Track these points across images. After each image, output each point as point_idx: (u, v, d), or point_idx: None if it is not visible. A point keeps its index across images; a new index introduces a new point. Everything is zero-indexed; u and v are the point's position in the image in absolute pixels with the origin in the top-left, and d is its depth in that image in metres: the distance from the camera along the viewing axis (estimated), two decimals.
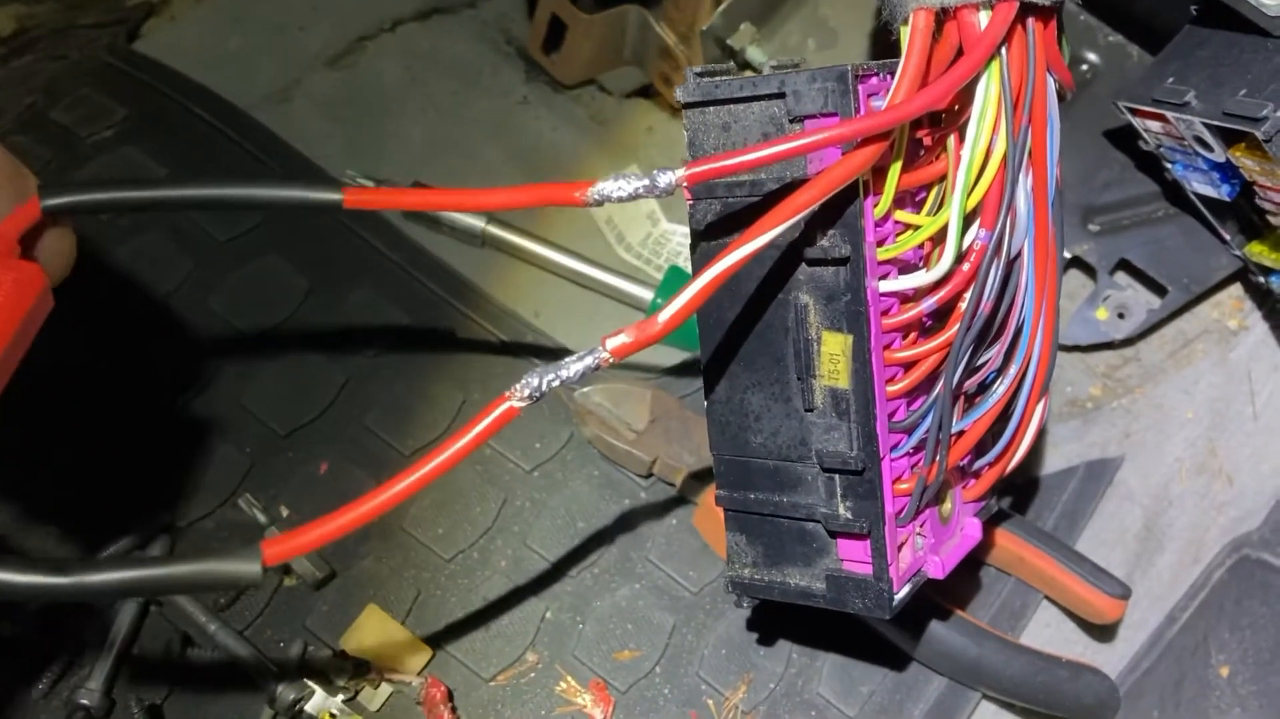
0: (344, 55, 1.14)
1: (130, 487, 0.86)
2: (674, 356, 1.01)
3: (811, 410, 0.66)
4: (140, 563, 0.52)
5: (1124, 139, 0.99)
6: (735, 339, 0.69)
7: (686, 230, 1.09)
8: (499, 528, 0.91)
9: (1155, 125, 0.86)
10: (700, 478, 0.91)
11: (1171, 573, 0.92)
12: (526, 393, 0.55)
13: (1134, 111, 0.87)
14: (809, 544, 0.69)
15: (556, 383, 0.55)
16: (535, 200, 0.55)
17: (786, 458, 0.68)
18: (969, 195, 0.63)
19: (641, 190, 0.56)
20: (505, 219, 1.05)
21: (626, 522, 0.92)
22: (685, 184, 0.56)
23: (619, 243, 1.09)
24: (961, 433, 0.70)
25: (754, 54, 1.04)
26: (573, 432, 0.93)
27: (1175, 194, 0.96)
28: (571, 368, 0.56)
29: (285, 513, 0.89)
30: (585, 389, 0.93)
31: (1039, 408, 0.73)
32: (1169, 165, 0.89)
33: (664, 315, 0.57)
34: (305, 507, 0.89)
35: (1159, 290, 1.00)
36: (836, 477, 0.67)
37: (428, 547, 0.89)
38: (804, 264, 0.65)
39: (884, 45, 1.11)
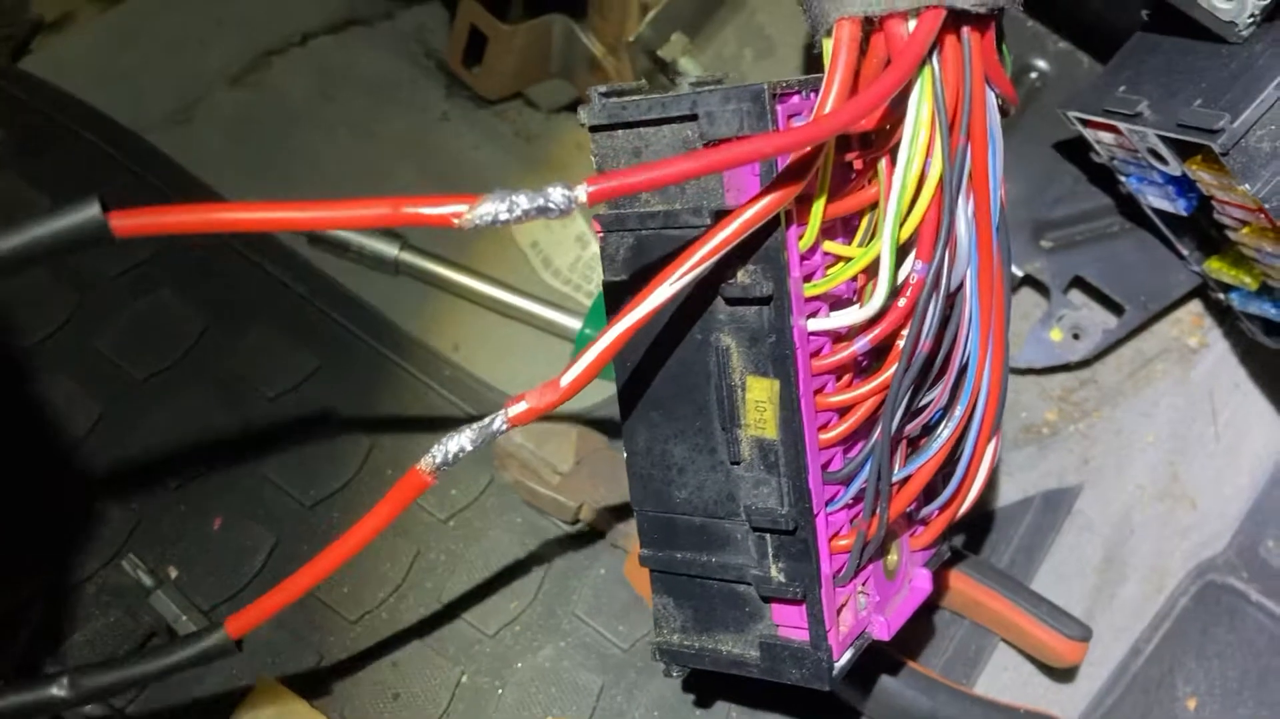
0: (249, 72, 1.07)
1: (1, 547, 0.79)
2: (603, 388, 0.94)
3: (738, 463, 0.60)
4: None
5: (1075, 151, 0.94)
6: (653, 384, 0.63)
7: None
8: (410, 584, 0.84)
9: (1108, 137, 0.82)
10: (631, 523, 0.84)
11: (1134, 604, 0.89)
12: (437, 461, 0.54)
13: (1085, 123, 0.83)
14: (741, 608, 0.63)
15: (464, 453, 0.54)
16: (390, 219, 0.47)
17: (713, 514, 0.62)
18: (902, 224, 0.57)
19: (534, 210, 0.49)
20: (421, 244, 0.99)
21: (551, 573, 0.86)
22: (584, 203, 0.50)
23: (545, 268, 1.03)
24: (905, 480, 0.65)
25: (686, 65, 0.99)
26: (492, 476, 0.88)
27: (1130, 208, 0.92)
28: (469, 437, 0.54)
29: (174, 574, 0.82)
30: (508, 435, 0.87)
31: (990, 447, 0.68)
32: (1123, 178, 0.86)
33: (567, 378, 0.52)
34: (197, 567, 0.83)
35: (1115, 309, 0.96)
36: (767, 535, 0.61)
37: (331, 608, 0.82)
38: (723, 302, 0.58)
39: (819, 56, 1.06)
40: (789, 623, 0.63)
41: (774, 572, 0.62)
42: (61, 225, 0.44)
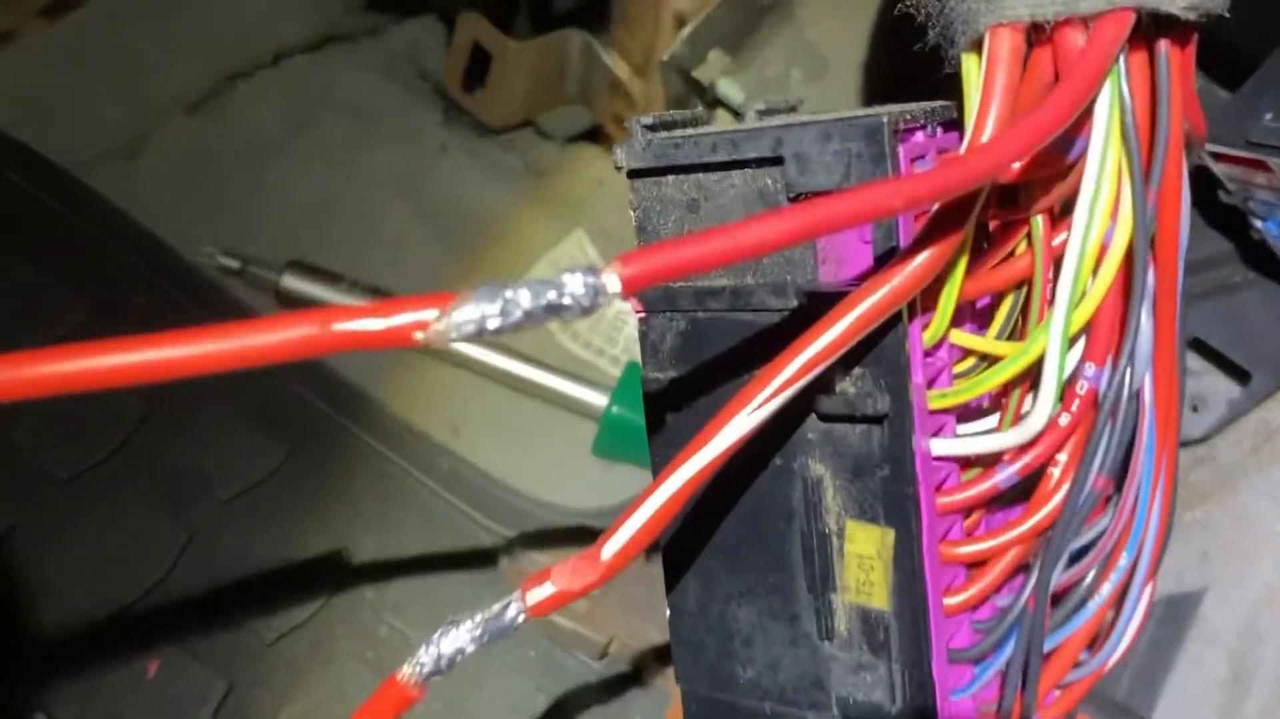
0: (209, 98, 0.93)
1: None
2: (637, 483, 0.79)
3: (831, 639, 0.45)
4: None
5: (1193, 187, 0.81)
6: (713, 522, 0.47)
7: None
8: None
9: (1243, 173, 0.70)
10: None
11: None
12: (424, 671, 0.40)
13: (1217, 157, 0.70)
14: None
15: (460, 656, 0.39)
16: (316, 344, 0.31)
17: (791, 702, 0.48)
18: (1075, 308, 0.41)
19: (540, 312, 0.34)
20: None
21: None
22: (616, 293, 0.34)
23: (562, 330, 0.88)
24: (1051, 653, 0.48)
25: (727, 89, 0.86)
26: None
27: (1257, 257, 0.81)
28: (471, 633, 0.39)
29: None
30: (517, 546, 0.71)
31: (1148, 591, 0.51)
32: (1259, 222, 0.75)
33: (610, 549, 0.38)
34: None
35: (1240, 375, 0.84)
36: None
37: None
38: (815, 416, 0.44)
39: (886, 77, 0.91)
40: None
41: None
42: None
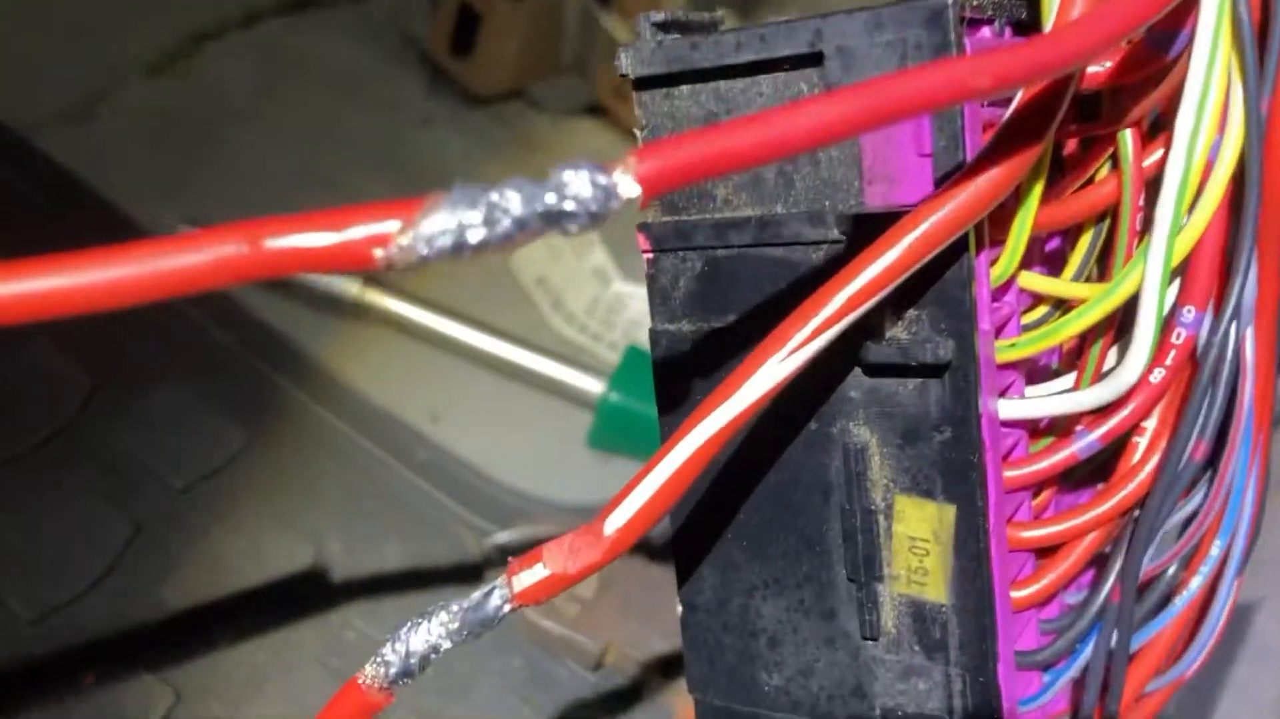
0: (174, 59, 0.85)
1: None
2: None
3: (876, 638, 0.38)
4: None
5: None
6: (733, 498, 0.40)
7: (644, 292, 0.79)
8: None
9: None
10: (678, 672, 0.61)
11: None
12: (390, 673, 0.34)
13: None
14: None
15: (435, 654, 0.34)
16: (245, 266, 0.24)
17: (827, 715, 0.41)
18: (1175, 239, 0.34)
19: (534, 220, 0.27)
20: (387, 278, 0.76)
21: None
22: (635, 196, 0.27)
23: (555, 311, 0.81)
24: (1130, 658, 0.41)
25: None
26: None
27: None
28: (446, 627, 0.34)
29: None
30: (504, 538, 0.64)
31: (1237, 588, 0.45)
32: None
33: (613, 524, 0.33)
34: None
35: None
36: None
37: None
38: (859, 370, 0.36)
39: None
40: None
41: None
42: None
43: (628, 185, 0.28)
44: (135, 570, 0.64)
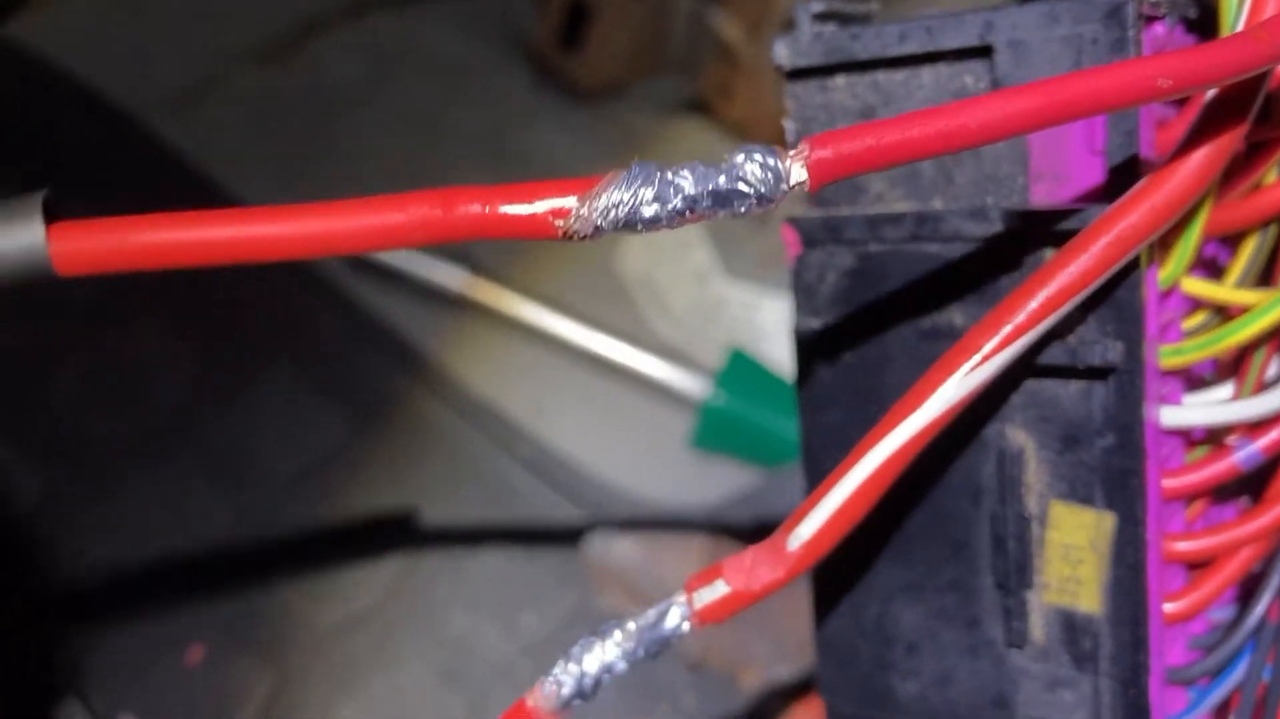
0: (284, 47, 0.87)
1: None
2: (739, 477, 0.72)
3: (1022, 647, 0.37)
4: None
5: None
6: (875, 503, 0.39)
7: (750, 292, 0.79)
8: None
9: None
10: (784, 686, 0.61)
11: None
12: (562, 694, 0.34)
13: None
14: None
15: (608, 675, 0.34)
16: (441, 228, 0.27)
17: None
18: None
19: (706, 199, 0.29)
20: (494, 272, 0.76)
21: None
22: (803, 181, 0.28)
23: (657, 310, 0.80)
24: None
25: None
26: (582, 598, 0.64)
27: None
28: (621, 647, 0.33)
29: None
30: (604, 535, 0.64)
31: None
32: None
33: (799, 538, 0.33)
34: (165, 715, 0.61)
35: None
36: None
37: None
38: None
39: None
40: None
41: None
42: None
43: (798, 172, 0.28)
44: (239, 555, 0.65)
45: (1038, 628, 0.38)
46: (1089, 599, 0.37)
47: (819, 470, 0.42)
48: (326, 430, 0.70)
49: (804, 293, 0.41)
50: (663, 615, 0.33)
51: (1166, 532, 0.39)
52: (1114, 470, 0.35)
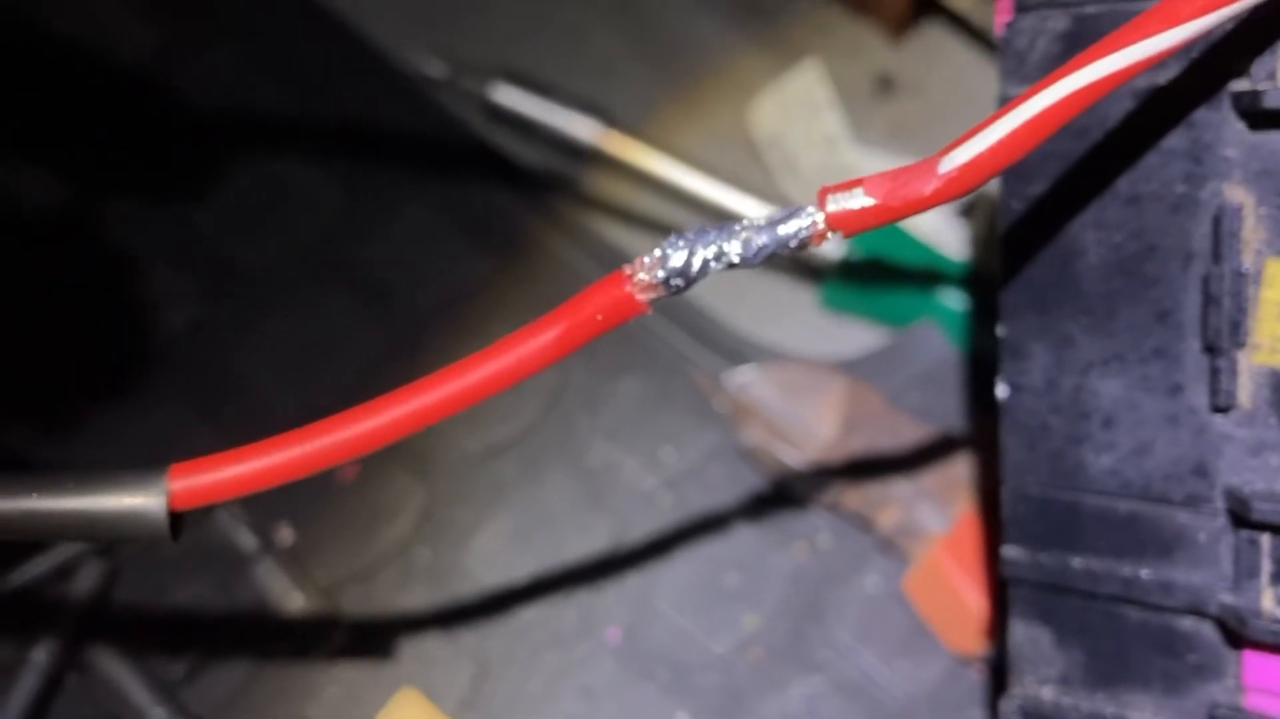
0: None
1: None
2: (870, 338, 0.72)
3: (1227, 411, 0.37)
4: None
5: None
6: (1076, 272, 0.40)
7: (877, 160, 0.80)
8: (608, 579, 0.62)
9: None
10: (918, 518, 0.62)
11: None
12: (662, 270, 0.33)
13: None
14: (1181, 655, 0.41)
15: (716, 263, 0.33)
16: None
17: (1159, 497, 0.40)
18: None
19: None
20: (627, 125, 0.78)
21: (800, 581, 0.65)
22: None
23: (786, 171, 0.81)
24: None
25: None
26: (721, 435, 0.65)
27: None
28: (743, 235, 0.32)
29: (289, 539, 0.63)
30: (745, 371, 0.65)
31: None
32: None
33: (952, 161, 0.31)
34: (321, 530, 0.65)
35: None
36: (1263, 538, 0.37)
37: (497, 595, 0.61)
38: (1235, 118, 0.35)
39: None
40: (1272, 687, 0.39)
41: (1268, 601, 0.38)
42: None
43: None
44: (389, 380, 0.67)
45: (1245, 390, 0.38)
46: None
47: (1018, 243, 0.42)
48: (467, 265, 0.71)
49: (1012, 62, 0.41)
50: (792, 214, 0.32)
51: None
52: None
